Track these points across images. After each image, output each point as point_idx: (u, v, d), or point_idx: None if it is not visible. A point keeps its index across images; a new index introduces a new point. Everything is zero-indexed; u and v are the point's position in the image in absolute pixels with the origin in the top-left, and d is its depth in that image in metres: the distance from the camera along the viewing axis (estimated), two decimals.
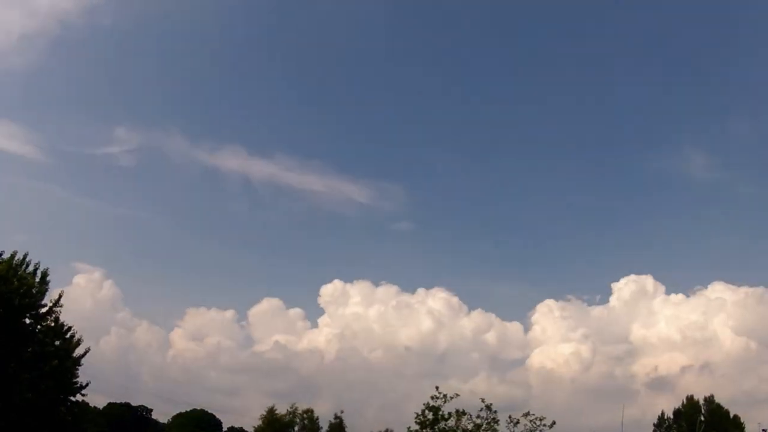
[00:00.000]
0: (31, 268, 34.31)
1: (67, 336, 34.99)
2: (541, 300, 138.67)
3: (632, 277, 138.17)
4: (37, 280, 34.19)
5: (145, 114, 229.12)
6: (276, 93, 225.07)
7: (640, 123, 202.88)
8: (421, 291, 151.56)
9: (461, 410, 31.25)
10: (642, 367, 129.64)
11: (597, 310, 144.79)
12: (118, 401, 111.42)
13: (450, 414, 30.86)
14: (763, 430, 64.76)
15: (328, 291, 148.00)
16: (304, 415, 66.14)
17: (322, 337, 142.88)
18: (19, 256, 34.17)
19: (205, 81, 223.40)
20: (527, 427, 30.64)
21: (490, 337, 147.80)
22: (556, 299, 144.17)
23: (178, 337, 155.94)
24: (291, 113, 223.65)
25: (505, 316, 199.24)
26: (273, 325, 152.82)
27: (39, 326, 33.79)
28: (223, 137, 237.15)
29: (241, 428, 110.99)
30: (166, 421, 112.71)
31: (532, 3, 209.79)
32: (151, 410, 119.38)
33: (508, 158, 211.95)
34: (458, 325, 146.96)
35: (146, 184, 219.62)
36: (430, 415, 30.89)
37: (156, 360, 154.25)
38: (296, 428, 65.63)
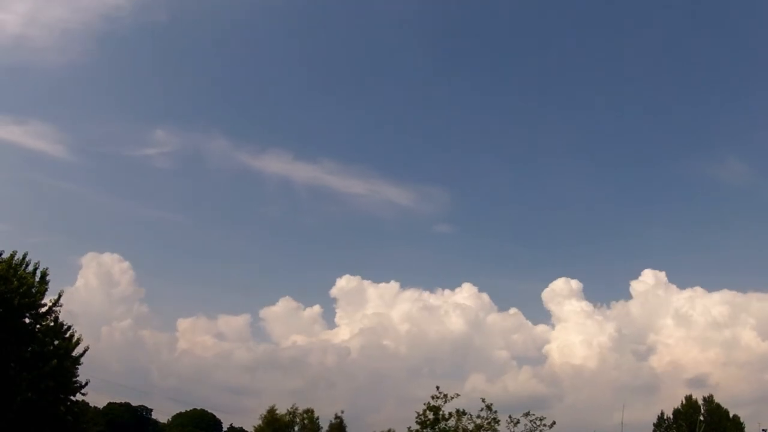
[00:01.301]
0: (30, 268, 34.26)
1: (67, 335, 34.96)
2: (570, 299, 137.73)
3: (660, 276, 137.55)
4: (37, 279, 34.15)
5: (186, 115, 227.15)
6: (323, 97, 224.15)
7: (680, 128, 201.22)
8: (455, 289, 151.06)
9: (461, 410, 31.28)
10: (666, 363, 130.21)
11: (622, 308, 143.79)
12: (118, 400, 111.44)
13: (450, 414, 30.89)
14: (763, 430, 64.83)
15: (362, 291, 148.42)
16: (305, 415, 66.10)
17: (354, 336, 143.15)
18: (19, 256, 34.14)
19: (250, 83, 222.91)
20: (527, 427, 30.71)
21: (519, 335, 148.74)
22: (587, 300, 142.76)
23: (208, 336, 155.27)
24: (337, 117, 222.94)
25: (536, 316, 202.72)
26: (293, 326, 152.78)
27: (39, 326, 33.77)
28: (267, 140, 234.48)
29: (241, 428, 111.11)
30: (165, 421, 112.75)
31: (573, 6, 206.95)
32: (151, 410, 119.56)
33: (548, 162, 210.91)
34: (488, 324, 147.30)
35: (181, 186, 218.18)
36: (430, 415, 30.91)
37: (198, 361, 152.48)
38: (296, 428, 65.59)
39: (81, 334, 35.40)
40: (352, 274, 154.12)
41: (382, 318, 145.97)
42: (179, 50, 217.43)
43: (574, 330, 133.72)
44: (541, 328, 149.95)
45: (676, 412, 77.76)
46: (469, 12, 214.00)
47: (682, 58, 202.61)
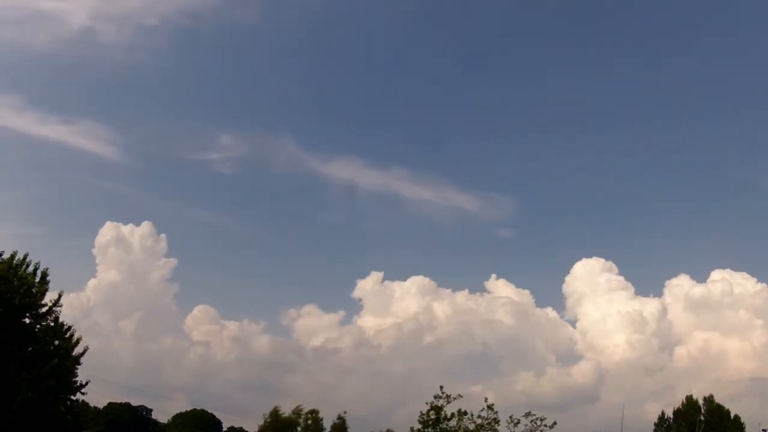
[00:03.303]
0: (31, 268, 34.25)
1: (67, 335, 34.96)
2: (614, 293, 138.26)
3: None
4: (37, 279, 34.13)
5: (256, 120, 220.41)
6: (397, 104, 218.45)
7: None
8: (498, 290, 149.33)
9: (463, 410, 31.23)
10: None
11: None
12: (118, 400, 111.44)
13: (452, 414, 30.86)
14: (763, 430, 64.79)
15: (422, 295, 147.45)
16: (309, 416, 66.13)
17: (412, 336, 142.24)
18: (19, 256, 34.13)
19: (325, 89, 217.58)
20: (528, 427, 30.56)
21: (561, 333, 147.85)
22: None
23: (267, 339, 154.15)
24: (409, 125, 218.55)
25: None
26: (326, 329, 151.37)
27: (39, 326, 33.77)
28: (338, 147, 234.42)
29: (241, 428, 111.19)
30: (165, 421, 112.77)
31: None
32: (151, 410, 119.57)
33: (611, 168, 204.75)
34: (531, 322, 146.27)
35: (241, 190, 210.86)
36: (432, 415, 30.88)
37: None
38: (299, 429, 65.61)
39: (81, 335, 35.52)
40: (405, 276, 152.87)
41: (427, 316, 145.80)
42: (260, 52, 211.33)
43: (614, 326, 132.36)
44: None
45: (676, 412, 77.74)
46: (551, 20, 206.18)
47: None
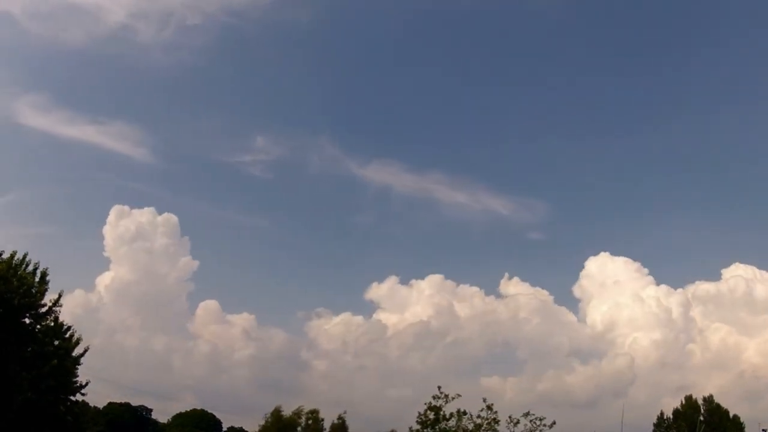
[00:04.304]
0: (30, 268, 34.26)
1: (67, 335, 34.97)
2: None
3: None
4: (37, 279, 34.14)
5: (293, 120, 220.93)
6: (435, 110, 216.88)
7: None
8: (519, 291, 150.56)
9: (462, 410, 31.27)
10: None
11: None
12: (119, 400, 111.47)
13: (451, 414, 30.90)
14: (763, 430, 64.75)
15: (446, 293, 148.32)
16: (309, 416, 66.16)
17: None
18: (19, 256, 34.14)
19: (367, 92, 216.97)
20: (527, 427, 30.63)
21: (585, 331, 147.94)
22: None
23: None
24: (448, 130, 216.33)
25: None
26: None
27: (39, 326, 33.78)
28: (376, 151, 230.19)
29: (241, 428, 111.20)
30: (165, 421, 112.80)
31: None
32: (151, 410, 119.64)
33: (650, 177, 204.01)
34: (554, 321, 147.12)
35: (273, 193, 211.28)
36: (431, 415, 30.92)
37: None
38: (299, 429, 65.62)
39: (81, 334, 35.54)
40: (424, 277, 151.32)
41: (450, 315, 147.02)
42: (304, 54, 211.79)
43: (639, 323, 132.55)
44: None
45: (676, 412, 77.69)
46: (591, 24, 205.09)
47: None
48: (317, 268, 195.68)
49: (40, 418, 31.73)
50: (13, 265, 33.37)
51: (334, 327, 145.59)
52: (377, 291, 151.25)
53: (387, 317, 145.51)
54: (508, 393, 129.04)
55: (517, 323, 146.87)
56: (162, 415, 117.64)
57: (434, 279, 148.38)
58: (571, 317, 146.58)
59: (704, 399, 77.32)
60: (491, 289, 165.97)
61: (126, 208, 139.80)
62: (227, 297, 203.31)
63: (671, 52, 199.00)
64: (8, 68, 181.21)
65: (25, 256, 34.31)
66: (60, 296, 34.71)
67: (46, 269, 34.54)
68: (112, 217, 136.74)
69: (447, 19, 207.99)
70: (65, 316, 35.02)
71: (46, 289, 34.28)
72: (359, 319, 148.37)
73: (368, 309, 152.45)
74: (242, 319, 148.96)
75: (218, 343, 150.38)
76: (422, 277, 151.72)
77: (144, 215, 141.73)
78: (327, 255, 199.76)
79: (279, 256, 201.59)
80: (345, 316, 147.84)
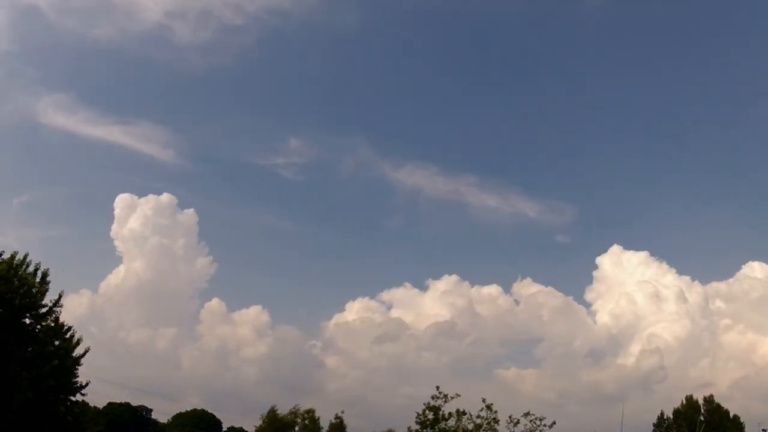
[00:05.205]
0: (31, 268, 34.29)
1: (67, 336, 35.02)
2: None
3: None
4: (37, 280, 34.18)
5: (329, 122, 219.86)
6: (471, 113, 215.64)
7: None
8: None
9: (461, 410, 31.28)
10: None
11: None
12: (118, 400, 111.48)
13: (450, 414, 30.91)
14: (763, 430, 64.78)
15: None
16: (306, 416, 66.09)
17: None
18: (19, 256, 34.17)
19: (406, 95, 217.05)
20: (527, 427, 30.67)
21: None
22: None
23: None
24: (482, 133, 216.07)
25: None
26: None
27: (39, 326, 33.82)
28: (412, 153, 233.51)
29: (241, 428, 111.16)
30: (165, 421, 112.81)
31: None
32: (151, 410, 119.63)
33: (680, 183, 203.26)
34: (576, 319, 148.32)
35: (303, 194, 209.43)
36: (430, 415, 30.93)
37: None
38: (297, 428, 65.58)
39: (81, 335, 35.59)
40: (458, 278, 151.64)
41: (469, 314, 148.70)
42: (346, 56, 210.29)
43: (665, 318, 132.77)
44: None
45: (676, 412, 77.63)
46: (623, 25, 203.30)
47: None
48: (339, 271, 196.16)
49: (40, 418, 31.77)
50: (14, 266, 33.41)
51: (352, 326, 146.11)
52: (397, 293, 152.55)
53: (406, 316, 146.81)
54: (529, 388, 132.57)
55: (539, 323, 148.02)
56: (162, 415, 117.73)
57: (452, 279, 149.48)
58: (592, 316, 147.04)
59: (704, 399, 77.38)
60: (510, 288, 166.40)
61: (144, 208, 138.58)
62: (244, 298, 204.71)
63: (693, 54, 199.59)
64: (32, 65, 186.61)
65: (25, 257, 34.37)
66: (60, 296, 34.80)
67: (47, 269, 34.66)
68: (126, 215, 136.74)
69: (480, 25, 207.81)
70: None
71: (46, 290, 34.32)
72: (378, 318, 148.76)
73: (388, 309, 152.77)
74: (261, 322, 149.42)
75: (231, 343, 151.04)
76: (440, 278, 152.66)
77: (163, 214, 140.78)
78: (351, 257, 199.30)
79: (300, 257, 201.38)
80: (364, 316, 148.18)
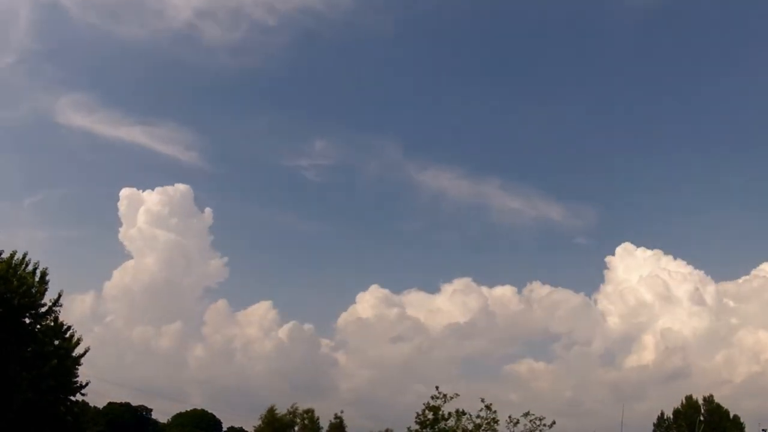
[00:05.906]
0: (30, 268, 34.31)
1: (67, 335, 35.02)
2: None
3: None
4: (37, 279, 34.20)
5: (355, 123, 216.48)
6: (496, 117, 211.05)
7: None
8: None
9: (461, 410, 31.28)
10: None
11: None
12: (126, 400, 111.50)
13: (450, 414, 30.90)
14: (763, 430, 64.88)
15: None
16: (305, 415, 66.06)
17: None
18: (18, 256, 34.19)
19: (434, 100, 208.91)
20: (527, 427, 30.67)
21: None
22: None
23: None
24: (510, 136, 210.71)
25: None
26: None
27: (39, 326, 33.84)
28: (437, 156, 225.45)
29: (241, 428, 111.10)
30: (165, 421, 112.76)
31: None
32: (151, 410, 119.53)
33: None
34: (591, 319, 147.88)
35: (325, 195, 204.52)
36: (430, 415, 30.92)
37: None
38: (296, 428, 65.55)
39: (81, 334, 35.61)
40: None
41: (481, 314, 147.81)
42: (377, 59, 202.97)
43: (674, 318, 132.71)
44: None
45: (676, 411, 77.69)
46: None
47: None
48: (354, 270, 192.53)
49: (40, 418, 31.77)
50: (13, 265, 33.43)
51: (366, 323, 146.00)
52: (414, 295, 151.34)
53: (420, 316, 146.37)
54: (547, 384, 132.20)
55: (554, 322, 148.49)
56: (162, 415, 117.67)
57: (466, 281, 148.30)
58: (608, 316, 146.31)
59: (704, 399, 77.38)
60: (524, 289, 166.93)
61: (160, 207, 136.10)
62: (260, 298, 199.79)
63: (715, 66, 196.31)
64: (53, 64, 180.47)
65: (24, 256, 34.40)
66: (60, 296, 34.84)
67: (46, 269, 34.69)
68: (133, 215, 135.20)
69: (505, 30, 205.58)
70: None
71: (45, 289, 34.36)
72: (393, 316, 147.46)
73: (401, 309, 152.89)
74: (269, 320, 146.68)
75: (244, 342, 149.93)
76: (454, 280, 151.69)
77: (179, 214, 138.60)
78: (369, 259, 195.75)
79: (318, 259, 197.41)
80: (379, 316, 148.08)
